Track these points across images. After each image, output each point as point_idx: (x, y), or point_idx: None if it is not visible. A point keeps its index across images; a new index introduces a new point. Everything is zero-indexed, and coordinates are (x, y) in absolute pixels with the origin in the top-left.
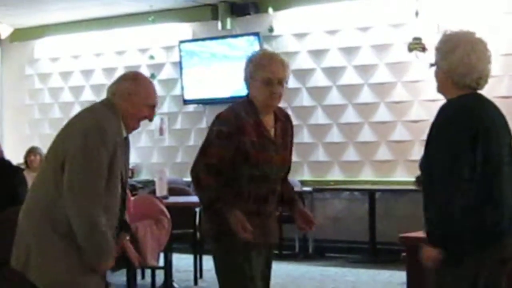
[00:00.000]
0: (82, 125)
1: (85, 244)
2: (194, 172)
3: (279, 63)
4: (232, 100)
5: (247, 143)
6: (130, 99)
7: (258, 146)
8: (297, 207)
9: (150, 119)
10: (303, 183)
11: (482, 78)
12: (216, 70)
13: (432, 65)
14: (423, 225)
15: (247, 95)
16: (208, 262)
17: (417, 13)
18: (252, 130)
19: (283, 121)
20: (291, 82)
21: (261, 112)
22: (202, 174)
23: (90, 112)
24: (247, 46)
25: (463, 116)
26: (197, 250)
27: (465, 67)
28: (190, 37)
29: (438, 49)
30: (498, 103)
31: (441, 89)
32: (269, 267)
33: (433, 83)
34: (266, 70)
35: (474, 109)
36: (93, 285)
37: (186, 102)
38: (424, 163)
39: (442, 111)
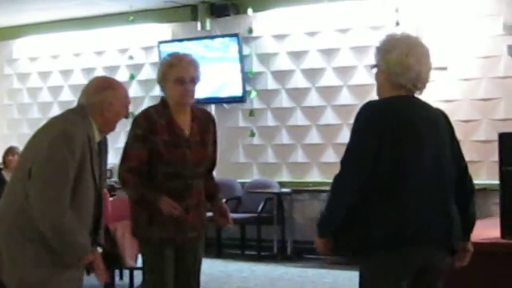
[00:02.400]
0: (49, 134)
1: (57, 246)
2: (119, 174)
3: (190, 62)
4: (206, 100)
5: (159, 143)
6: (108, 108)
7: (170, 144)
8: (217, 203)
9: (127, 117)
10: (282, 184)
11: (419, 81)
12: None
13: (373, 66)
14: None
15: (162, 97)
16: None
17: (397, 23)
18: (164, 130)
19: (202, 120)
20: (270, 83)
21: (175, 112)
22: (126, 176)
23: (58, 121)
24: (224, 47)
25: (376, 114)
26: None
27: (401, 67)
28: (169, 37)
29: (378, 49)
30: (477, 105)
31: (379, 91)
32: (197, 262)
33: None
34: (178, 70)
35: (391, 107)
36: (65, 284)
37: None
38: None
39: (360, 109)
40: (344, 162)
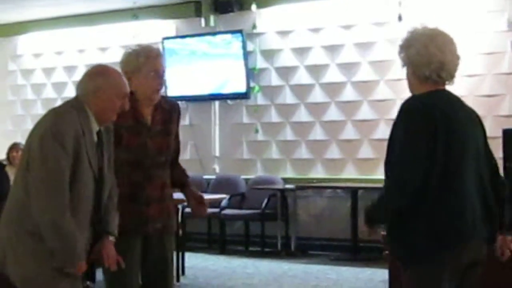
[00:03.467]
0: (40, 130)
1: (51, 245)
2: None
3: (161, 55)
4: (210, 96)
5: (122, 127)
6: (100, 95)
7: (132, 131)
8: (189, 189)
9: (125, 109)
10: (286, 180)
11: (444, 70)
12: (198, 67)
13: (403, 65)
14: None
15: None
16: (190, 259)
17: (400, 17)
18: (130, 116)
19: (166, 109)
20: (274, 80)
21: (142, 104)
22: None
23: (51, 115)
24: (228, 43)
25: (423, 113)
26: (179, 247)
27: (422, 57)
28: (173, 34)
29: (400, 46)
30: (481, 101)
31: (410, 89)
32: (165, 253)
33: None
34: (156, 62)
35: (434, 105)
36: (68, 284)
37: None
38: (386, 163)
39: (404, 107)
40: (398, 163)
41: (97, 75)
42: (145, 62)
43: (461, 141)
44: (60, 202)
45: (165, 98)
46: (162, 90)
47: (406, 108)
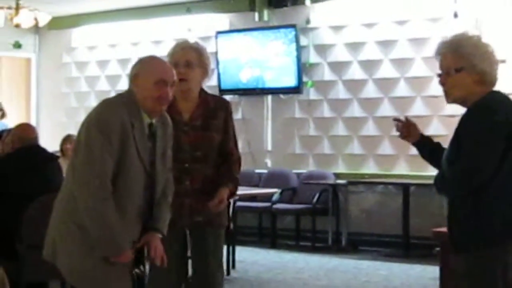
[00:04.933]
0: (87, 119)
1: (92, 234)
2: None
3: (184, 48)
4: (263, 90)
5: None
6: (137, 82)
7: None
8: (219, 192)
9: (166, 97)
10: (337, 175)
11: (497, 76)
12: (251, 61)
13: (458, 70)
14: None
15: None
16: (241, 253)
17: (455, 15)
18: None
19: (211, 106)
20: (327, 75)
21: (178, 97)
22: None
23: (99, 105)
24: (282, 38)
25: (497, 112)
26: (230, 241)
27: (491, 64)
28: (227, 28)
29: (470, 54)
30: None
31: (464, 95)
32: (206, 247)
33: None
34: (174, 56)
35: (506, 104)
36: (114, 275)
37: (222, 91)
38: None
39: (477, 104)
40: (471, 156)
41: (138, 62)
42: (171, 55)
43: None
44: (100, 191)
45: (215, 96)
46: (214, 83)
47: (484, 105)
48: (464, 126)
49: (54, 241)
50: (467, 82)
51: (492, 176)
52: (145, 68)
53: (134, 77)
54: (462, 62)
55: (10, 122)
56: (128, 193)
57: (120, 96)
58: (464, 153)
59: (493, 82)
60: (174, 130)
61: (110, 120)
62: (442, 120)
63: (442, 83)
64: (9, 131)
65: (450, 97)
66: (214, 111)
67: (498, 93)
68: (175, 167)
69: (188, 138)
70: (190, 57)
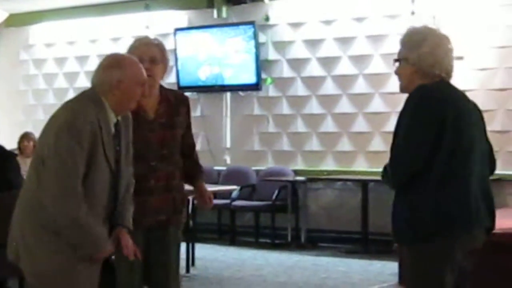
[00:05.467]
0: (55, 124)
1: (71, 239)
2: None
3: (148, 43)
4: (222, 87)
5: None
6: (121, 86)
7: (132, 125)
8: (197, 183)
9: (144, 95)
10: (296, 172)
11: (449, 70)
12: (210, 58)
13: (396, 60)
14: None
15: None
16: (200, 250)
17: (413, 12)
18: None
19: (172, 102)
20: (286, 72)
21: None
22: None
23: (65, 108)
24: (240, 35)
25: (433, 99)
26: (189, 238)
27: (433, 58)
28: (185, 25)
29: (405, 43)
30: (493, 95)
31: (406, 84)
32: (168, 246)
33: None
34: (137, 50)
35: (443, 93)
36: (84, 275)
37: (181, 88)
38: (391, 149)
39: (414, 93)
40: (398, 149)
41: (114, 67)
42: (133, 51)
43: (470, 132)
44: (75, 199)
45: (173, 91)
46: (173, 81)
47: (417, 95)
48: (398, 118)
49: (17, 243)
50: (407, 73)
51: (424, 171)
52: (128, 73)
53: (117, 82)
54: (402, 52)
55: None
56: (95, 193)
57: (85, 97)
58: (396, 145)
59: (431, 74)
60: (140, 129)
61: (81, 127)
62: None
63: (395, 72)
64: None
65: (400, 87)
66: (176, 107)
67: (444, 84)
68: (141, 166)
69: (155, 137)
70: (154, 53)
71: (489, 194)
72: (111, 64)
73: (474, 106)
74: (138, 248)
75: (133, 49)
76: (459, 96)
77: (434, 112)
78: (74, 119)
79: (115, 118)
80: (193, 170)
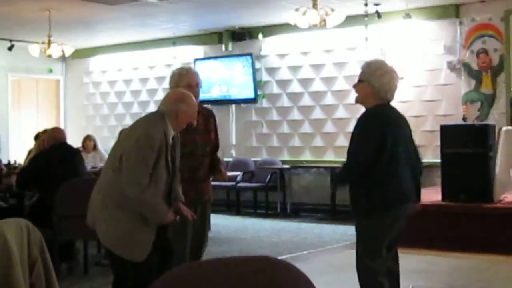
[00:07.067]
0: (136, 133)
1: (142, 212)
2: None
3: (194, 72)
4: (229, 101)
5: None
6: (182, 115)
7: (183, 132)
8: (218, 169)
9: (194, 120)
10: (283, 162)
11: (394, 95)
12: (220, 80)
13: (360, 81)
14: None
15: None
16: (214, 219)
17: (366, 39)
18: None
19: (204, 114)
20: (275, 89)
21: None
22: None
23: (143, 123)
24: (242, 62)
25: (377, 119)
26: None
27: (389, 86)
28: (202, 56)
29: (371, 72)
30: (425, 105)
31: (362, 99)
32: (204, 219)
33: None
34: (188, 77)
35: (384, 114)
36: (141, 238)
37: (199, 102)
38: (350, 151)
39: (368, 112)
40: (355, 152)
41: (181, 101)
42: (180, 78)
43: (399, 138)
44: (144, 185)
45: (204, 107)
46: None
47: (368, 115)
48: (356, 127)
49: (95, 216)
50: (366, 92)
51: (373, 165)
52: (188, 107)
53: (180, 112)
54: (364, 76)
55: (46, 127)
56: (159, 181)
57: (156, 117)
58: (353, 150)
59: (383, 97)
60: (189, 134)
61: (154, 136)
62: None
63: (354, 88)
64: (43, 132)
65: (356, 99)
66: (207, 118)
67: (387, 106)
68: (192, 160)
69: (200, 139)
70: (198, 80)
71: (416, 177)
72: (180, 99)
73: (404, 119)
74: (195, 219)
75: (184, 75)
76: (396, 115)
77: (379, 128)
78: (150, 131)
79: (173, 133)
80: (217, 162)
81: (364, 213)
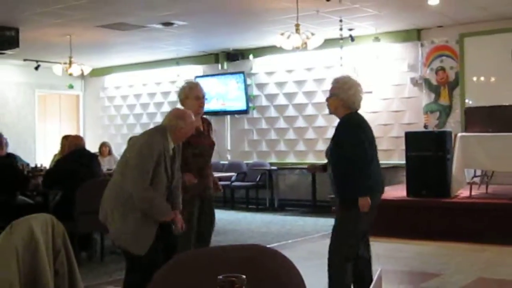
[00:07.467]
0: (139, 143)
1: (146, 210)
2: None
3: (201, 86)
4: (224, 112)
5: (192, 135)
6: (181, 131)
7: (195, 136)
8: (214, 186)
9: (193, 133)
10: (271, 164)
11: (360, 105)
12: (217, 95)
13: (331, 95)
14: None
15: None
16: None
17: (341, 58)
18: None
19: (206, 122)
20: (264, 102)
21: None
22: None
23: (145, 135)
24: (235, 79)
25: (356, 124)
26: None
27: (355, 98)
28: (201, 73)
29: (339, 86)
30: (391, 115)
31: (334, 111)
32: (211, 209)
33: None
34: (196, 90)
35: (359, 120)
36: (146, 233)
37: None
38: (333, 152)
39: (343, 121)
40: (352, 155)
41: (180, 118)
42: (190, 90)
43: (371, 139)
44: (145, 186)
45: (204, 117)
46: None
47: (348, 121)
48: (336, 132)
49: (107, 214)
50: (336, 104)
51: (357, 162)
52: (186, 125)
53: (179, 128)
54: (333, 90)
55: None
56: (159, 185)
57: (157, 131)
58: (349, 157)
59: (351, 107)
60: (199, 138)
61: (154, 146)
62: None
63: (326, 101)
64: (66, 137)
65: (329, 111)
66: (208, 125)
67: (356, 114)
68: (201, 160)
69: (206, 142)
70: (204, 92)
71: (381, 173)
72: (180, 116)
73: (369, 125)
74: (195, 211)
75: (193, 88)
76: (364, 121)
77: (361, 133)
78: (151, 141)
79: (173, 145)
80: (212, 177)
81: (351, 203)
